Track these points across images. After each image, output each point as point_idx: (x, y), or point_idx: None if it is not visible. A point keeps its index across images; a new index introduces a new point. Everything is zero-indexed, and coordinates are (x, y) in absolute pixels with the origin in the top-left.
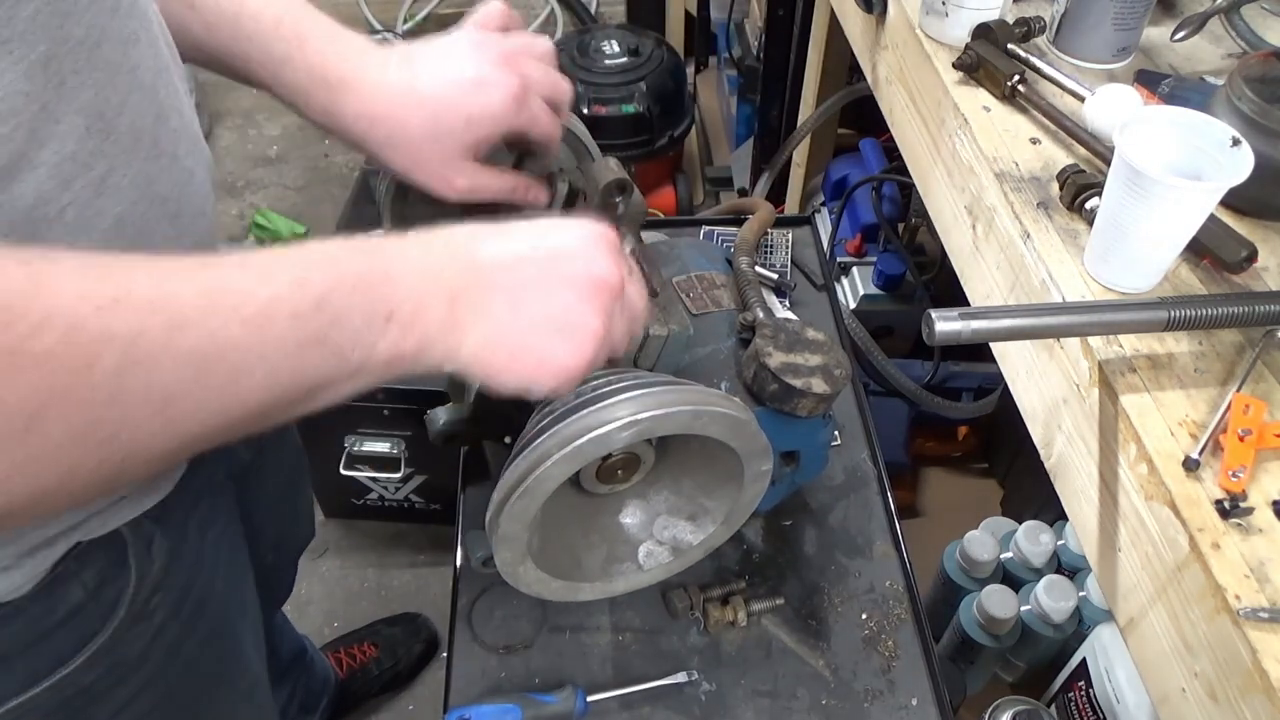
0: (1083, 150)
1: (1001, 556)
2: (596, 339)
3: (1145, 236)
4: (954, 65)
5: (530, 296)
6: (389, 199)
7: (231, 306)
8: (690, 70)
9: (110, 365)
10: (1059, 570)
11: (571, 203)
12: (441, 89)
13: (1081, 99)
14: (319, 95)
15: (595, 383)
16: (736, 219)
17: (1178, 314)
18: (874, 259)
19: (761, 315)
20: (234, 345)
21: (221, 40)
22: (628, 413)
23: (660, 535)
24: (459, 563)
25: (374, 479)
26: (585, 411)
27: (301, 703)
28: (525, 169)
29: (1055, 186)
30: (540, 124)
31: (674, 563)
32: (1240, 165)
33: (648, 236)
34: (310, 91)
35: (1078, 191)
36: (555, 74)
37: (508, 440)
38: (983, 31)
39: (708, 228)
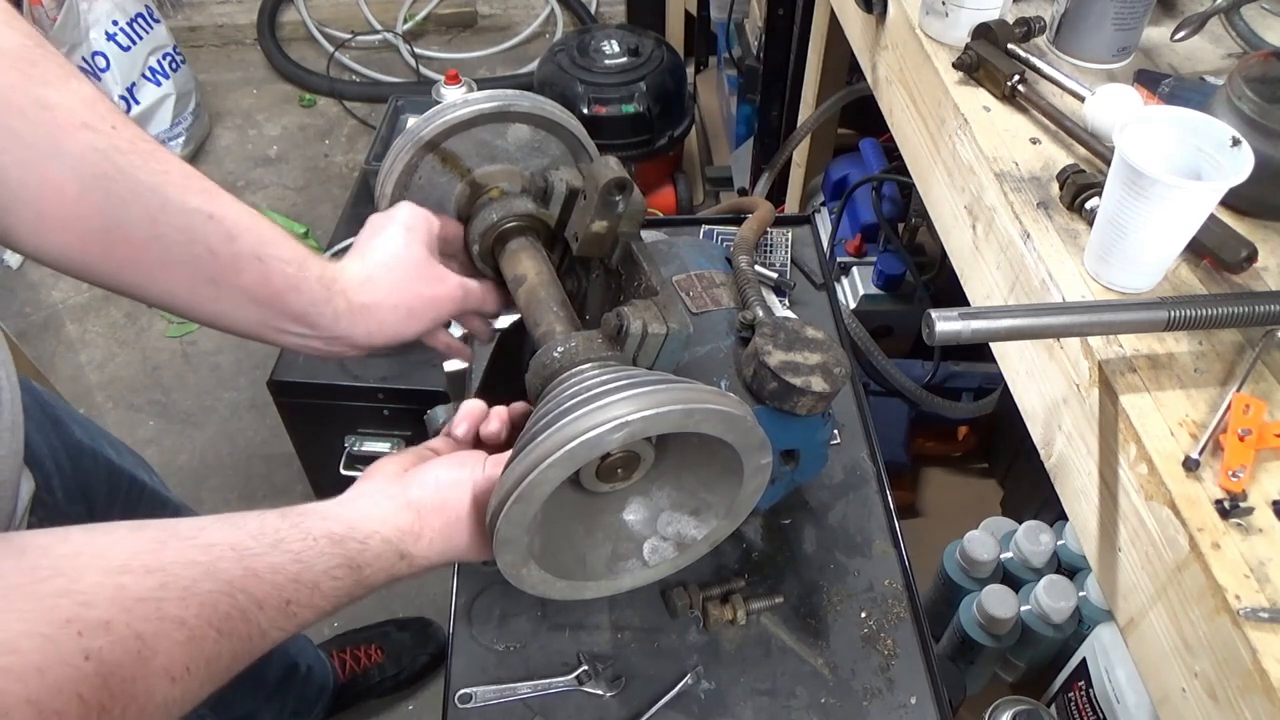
0: (1083, 150)
1: (1001, 556)
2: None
3: (1145, 236)
4: (954, 65)
5: None
6: (390, 202)
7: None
8: (690, 70)
9: None
10: (1059, 570)
11: (571, 202)
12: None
13: (1081, 99)
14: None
15: (591, 381)
16: (736, 218)
17: (1178, 314)
18: (874, 259)
19: (761, 314)
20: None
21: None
22: (619, 414)
23: (664, 531)
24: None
25: None
26: (580, 412)
27: (294, 709)
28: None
29: (1055, 186)
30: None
31: (679, 558)
32: (1240, 165)
33: (648, 236)
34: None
35: (1078, 191)
36: None
37: None
38: (983, 31)
39: (707, 227)
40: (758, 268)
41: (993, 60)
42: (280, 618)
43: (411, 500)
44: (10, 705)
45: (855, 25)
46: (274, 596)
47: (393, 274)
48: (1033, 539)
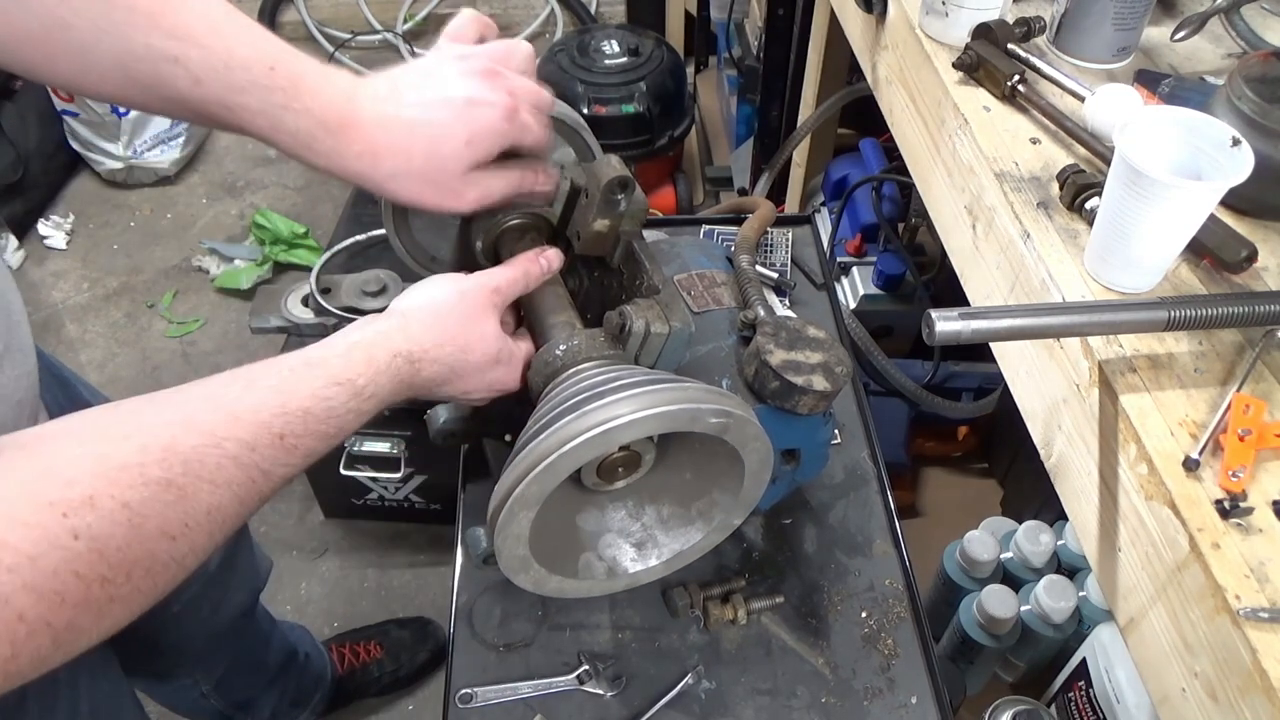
0: (1083, 150)
1: (1001, 556)
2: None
3: (1145, 236)
4: (954, 65)
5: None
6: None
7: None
8: (690, 70)
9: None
10: (1059, 570)
11: (573, 200)
12: (436, 114)
13: (1081, 99)
14: (323, 140)
15: (602, 377)
16: (737, 218)
17: (1178, 314)
18: (874, 259)
19: (763, 313)
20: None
21: (212, 93)
22: (677, 399)
23: (601, 552)
24: (459, 561)
25: (374, 479)
26: (658, 387)
27: (292, 699)
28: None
29: (1055, 186)
30: (532, 132)
31: (606, 583)
32: (1240, 165)
33: (649, 235)
34: (314, 136)
35: (1078, 191)
36: (535, 84)
37: (508, 438)
38: (983, 31)
39: (708, 227)
40: (758, 268)
41: (993, 60)
42: (279, 453)
43: (393, 308)
44: (9, 592)
45: (855, 25)
46: (263, 434)
47: (412, 134)
48: (1033, 539)
